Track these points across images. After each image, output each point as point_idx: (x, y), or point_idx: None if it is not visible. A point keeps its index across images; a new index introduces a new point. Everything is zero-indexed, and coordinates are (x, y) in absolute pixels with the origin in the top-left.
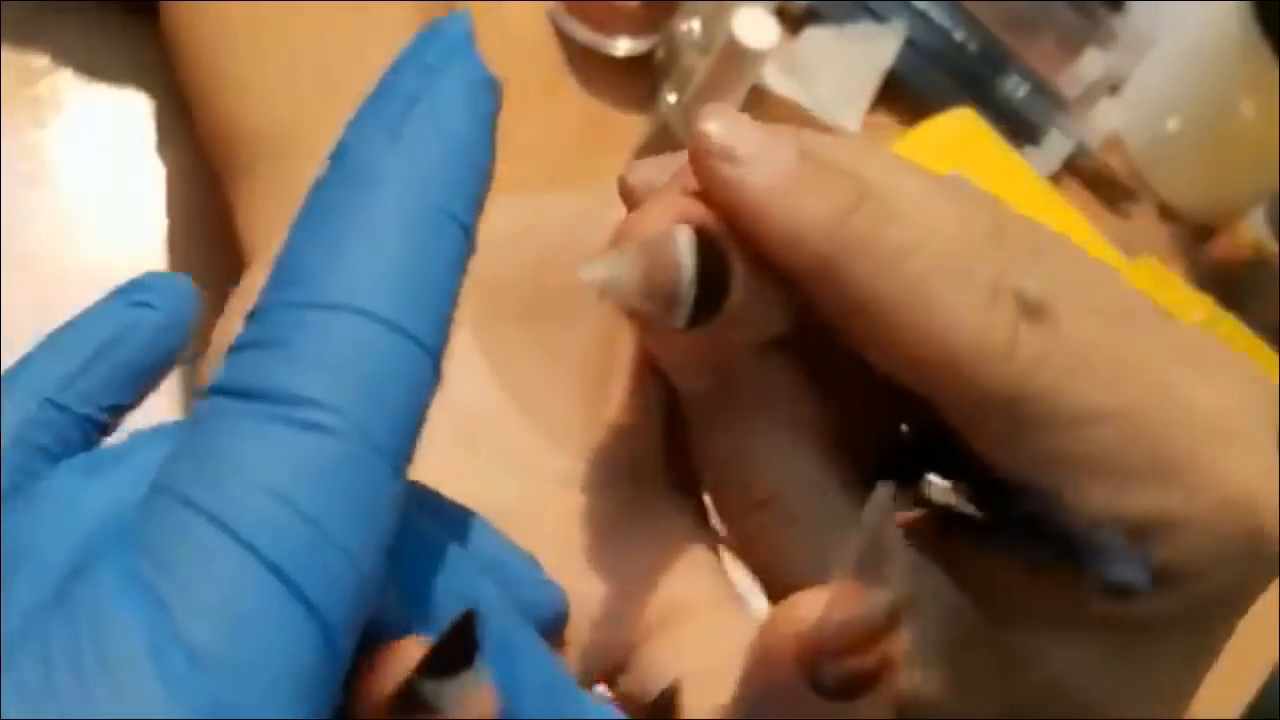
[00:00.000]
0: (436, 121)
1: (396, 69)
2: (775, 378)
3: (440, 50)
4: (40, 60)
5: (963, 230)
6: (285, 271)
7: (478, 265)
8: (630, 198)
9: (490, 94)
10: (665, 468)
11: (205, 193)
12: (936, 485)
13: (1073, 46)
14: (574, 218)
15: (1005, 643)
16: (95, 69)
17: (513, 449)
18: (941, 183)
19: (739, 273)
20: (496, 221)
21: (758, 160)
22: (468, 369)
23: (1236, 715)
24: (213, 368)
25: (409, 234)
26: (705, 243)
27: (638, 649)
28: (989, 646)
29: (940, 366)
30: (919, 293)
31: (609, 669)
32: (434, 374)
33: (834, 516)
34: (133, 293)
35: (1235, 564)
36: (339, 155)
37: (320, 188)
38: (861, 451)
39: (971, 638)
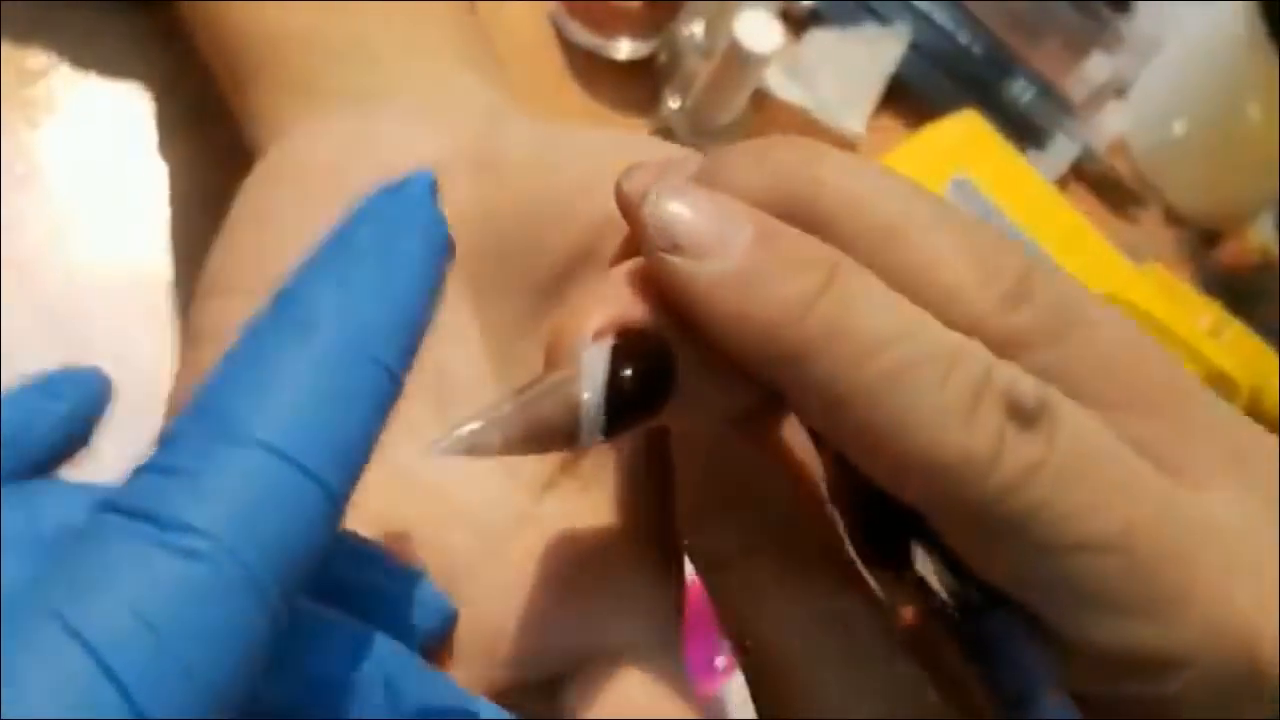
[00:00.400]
0: (384, 277)
1: (354, 220)
2: (745, 439)
3: (400, 207)
4: (37, 61)
5: (979, 291)
6: (205, 401)
7: (487, 205)
8: (627, 207)
9: (444, 251)
10: (647, 498)
11: (211, 190)
12: (919, 555)
13: (1079, 49)
14: (605, 145)
15: None
16: (95, 66)
17: None
18: (973, 229)
19: (684, 372)
20: (513, 155)
21: (706, 248)
22: (464, 349)
23: None
24: (174, 406)
25: (334, 379)
26: (643, 343)
27: (560, 682)
28: None
29: (913, 474)
30: (892, 391)
31: (518, 689)
32: (332, 511)
33: (804, 583)
34: (46, 386)
35: (1229, 697)
36: (282, 296)
37: (257, 325)
38: (851, 509)
39: None
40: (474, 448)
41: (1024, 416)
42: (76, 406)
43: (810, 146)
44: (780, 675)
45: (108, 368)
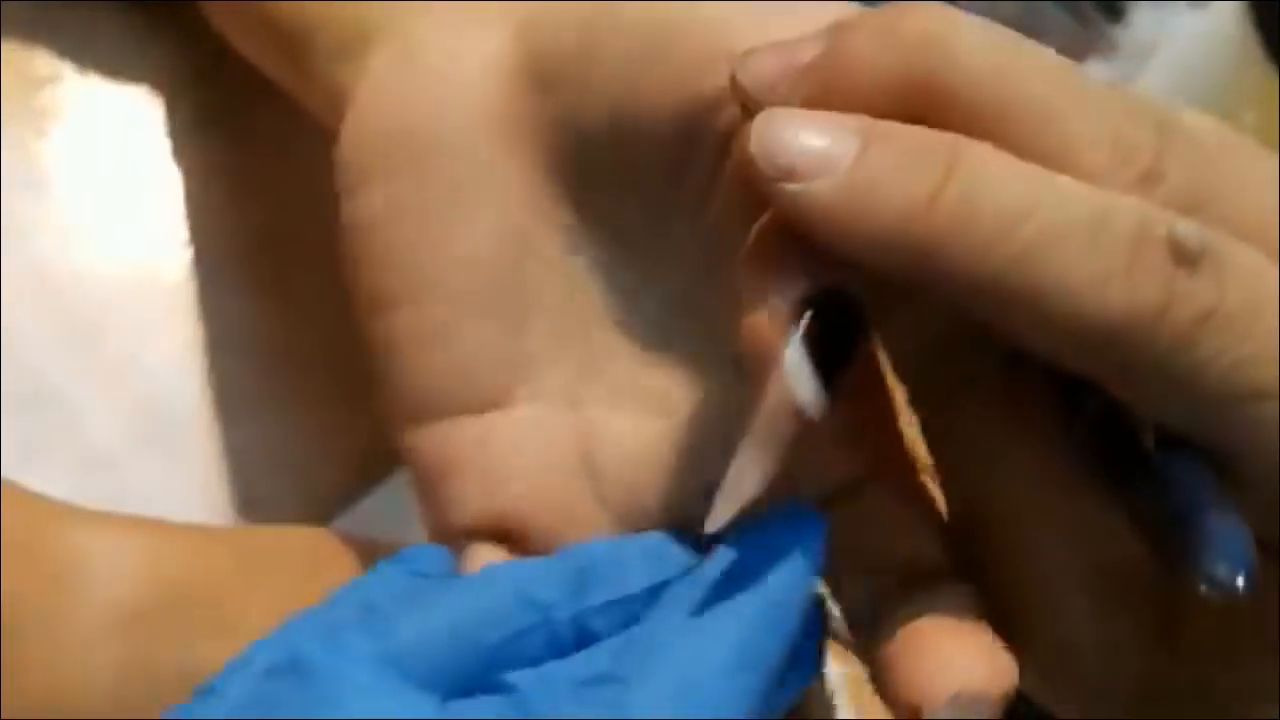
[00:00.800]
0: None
1: (744, 549)
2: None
3: (789, 556)
4: (42, 68)
5: (1114, 176)
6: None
7: (555, 112)
8: (747, 99)
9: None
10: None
11: (225, 192)
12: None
13: (1074, 57)
14: (733, 14)
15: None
16: (101, 71)
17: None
18: (1108, 107)
19: (871, 314)
20: (567, 46)
21: (811, 168)
22: (583, 267)
23: None
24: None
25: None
26: (826, 313)
27: None
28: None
29: (1072, 343)
30: (1039, 263)
31: None
32: None
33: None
34: (406, 563)
35: None
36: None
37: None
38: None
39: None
40: (738, 506)
41: (1190, 259)
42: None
43: (940, 19)
44: (1002, 526)
45: (122, 374)
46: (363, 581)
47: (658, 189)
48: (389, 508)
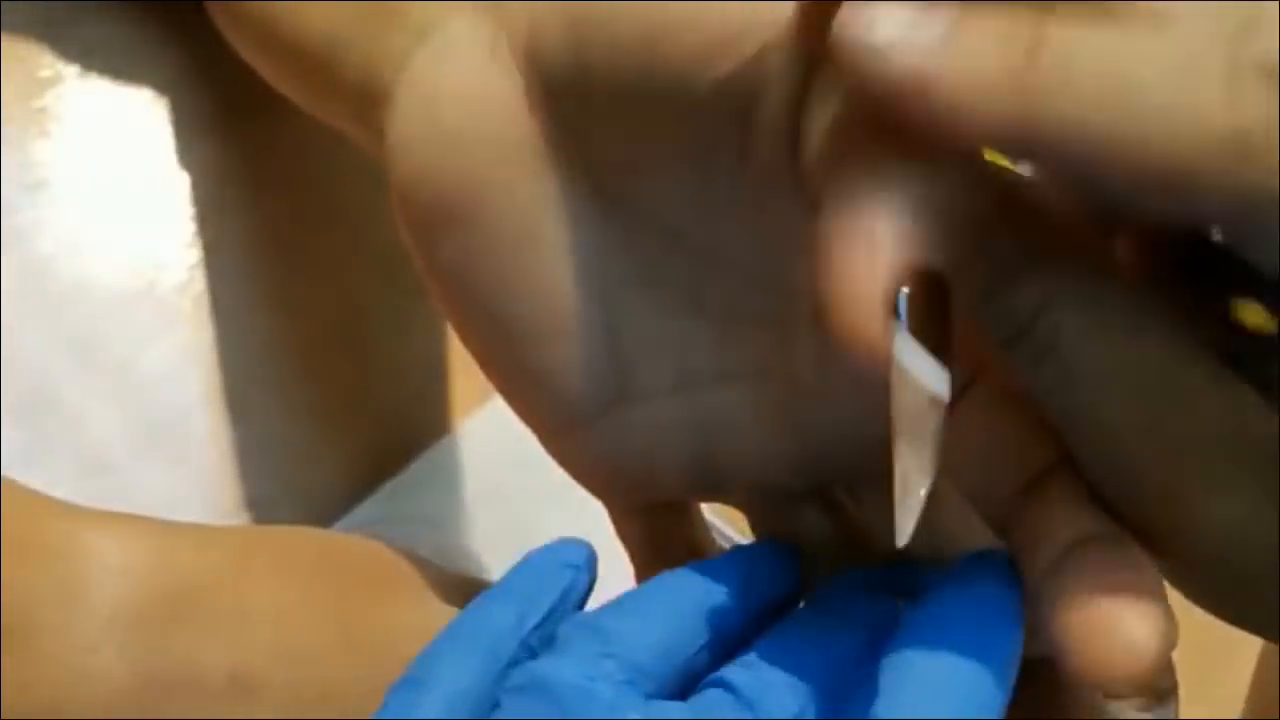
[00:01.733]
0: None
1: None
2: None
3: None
4: (47, 69)
5: (1211, 27)
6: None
7: (581, 66)
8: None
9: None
10: None
11: (232, 196)
12: (1249, 308)
13: None
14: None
15: None
16: (106, 73)
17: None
18: None
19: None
20: (604, 56)
21: (898, 42)
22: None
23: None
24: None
25: None
26: (920, 292)
27: None
28: None
29: (1186, 182)
30: (1139, 106)
31: None
32: None
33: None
34: (559, 555)
35: None
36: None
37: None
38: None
39: None
40: (917, 511)
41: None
42: (594, 575)
43: None
44: (1124, 443)
45: (123, 375)
46: (526, 572)
47: (692, 174)
48: (389, 508)
